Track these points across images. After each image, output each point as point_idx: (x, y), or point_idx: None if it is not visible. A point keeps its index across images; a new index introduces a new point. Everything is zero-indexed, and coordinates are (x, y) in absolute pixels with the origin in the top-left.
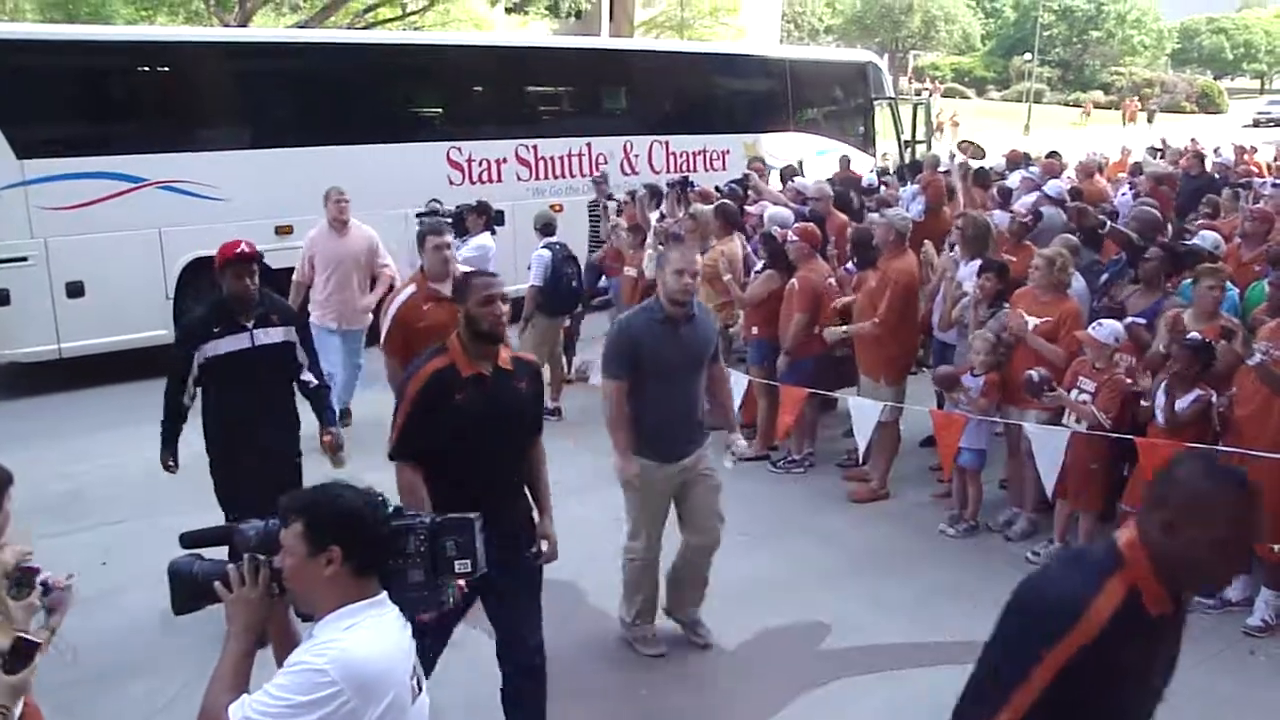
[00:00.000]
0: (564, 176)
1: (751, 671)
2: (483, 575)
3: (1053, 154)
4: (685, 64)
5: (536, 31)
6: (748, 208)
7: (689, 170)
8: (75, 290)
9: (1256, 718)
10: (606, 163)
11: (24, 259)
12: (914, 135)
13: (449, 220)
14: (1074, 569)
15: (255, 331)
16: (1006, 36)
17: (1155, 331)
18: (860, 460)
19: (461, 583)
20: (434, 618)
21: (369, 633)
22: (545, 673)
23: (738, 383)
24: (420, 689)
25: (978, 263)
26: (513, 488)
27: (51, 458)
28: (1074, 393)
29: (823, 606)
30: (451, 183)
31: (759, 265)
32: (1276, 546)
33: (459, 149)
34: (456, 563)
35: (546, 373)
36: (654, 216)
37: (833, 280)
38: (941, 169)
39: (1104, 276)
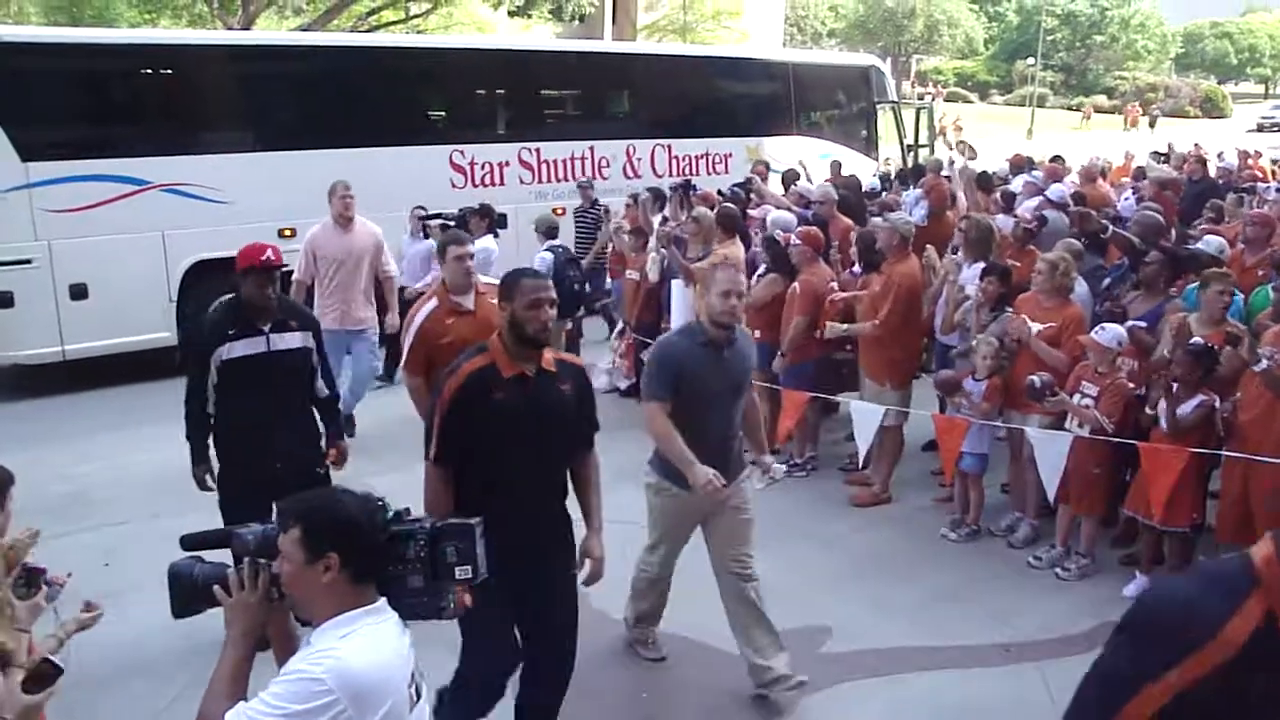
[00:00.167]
0: (567, 180)
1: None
2: (515, 581)
3: (1056, 158)
4: (688, 67)
5: (539, 35)
6: (750, 211)
7: (691, 174)
8: (79, 292)
9: None
10: (609, 165)
11: (28, 261)
12: (917, 139)
13: (424, 223)
14: (1206, 585)
15: (271, 336)
16: (1009, 41)
17: (1157, 335)
18: (861, 464)
19: (467, 596)
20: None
21: (366, 640)
22: (566, 685)
23: None
24: (419, 696)
25: (980, 265)
26: (552, 493)
27: (54, 459)
28: (1076, 397)
29: (824, 610)
30: (454, 186)
31: (761, 269)
32: None
33: (462, 152)
34: (457, 569)
35: None
36: (656, 220)
37: (835, 284)
38: (944, 173)
39: (1106, 281)
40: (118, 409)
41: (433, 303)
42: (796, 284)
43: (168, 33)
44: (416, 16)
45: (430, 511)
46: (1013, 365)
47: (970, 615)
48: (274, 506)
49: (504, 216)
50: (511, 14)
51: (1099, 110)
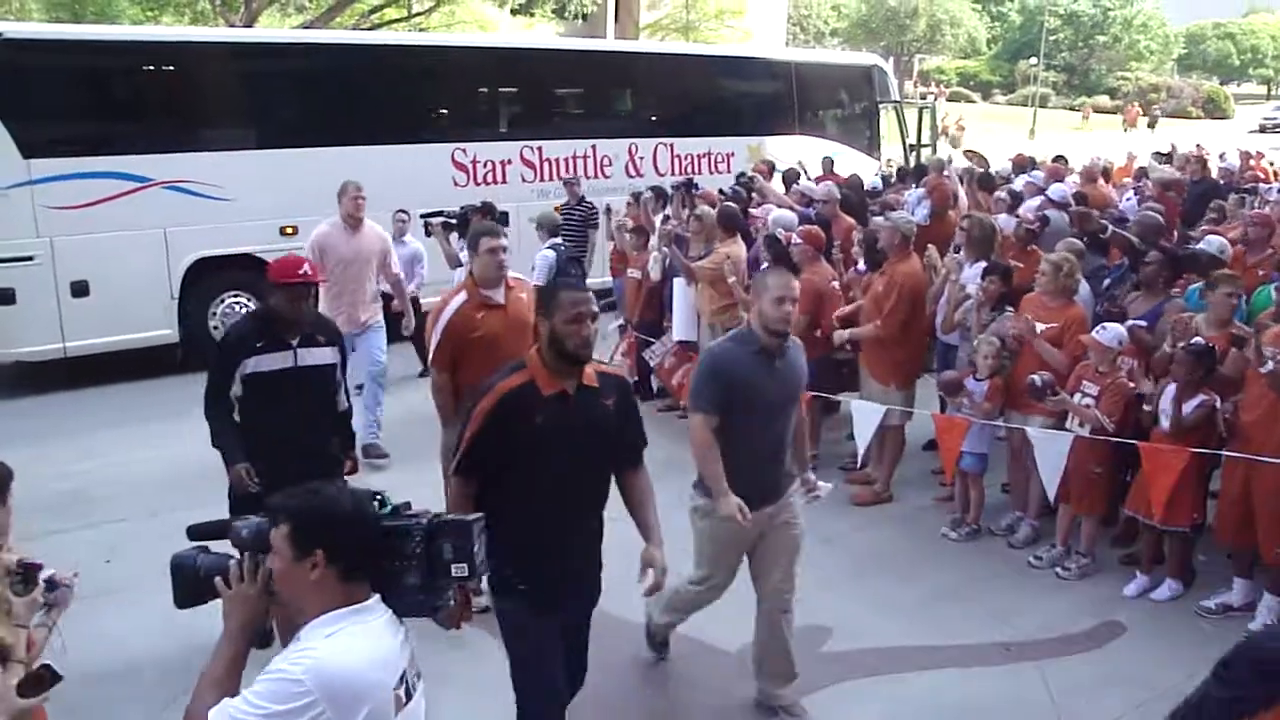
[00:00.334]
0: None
1: (750, 673)
2: (547, 597)
3: (1059, 158)
4: (690, 66)
5: (542, 33)
6: (751, 210)
7: (694, 172)
8: (80, 289)
9: None
10: (611, 164)
11: (29, 258)
12: (919, 139)
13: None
14: None
15: (299, 351)
16: (1012, 40)
17: (1157, 335)
18: (860, 463)
19: (475, 597)
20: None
21: (349, 640)
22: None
23: None
24: (410, 696)
25: (982, 265)
26: (590, 512)
27: (55, 456)
28: (1077, 396)
29: (824, 609)
30: (456, 184)
31: (764, 268)
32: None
33: (464, 150)
34: (453, 566)
35: None
36: (658, 219)
37: (836, 283)
38: (945, 173)
39: (1106, 281)
40: (119, 406)
41: (462, 296)
42: (797, 283)
43: (170, 30)
44: (419, 14)
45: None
46: (1014, 365)
47: (970, 614)
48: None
49: (505, 214)
50: (514, 12)
51: (1102, 111)
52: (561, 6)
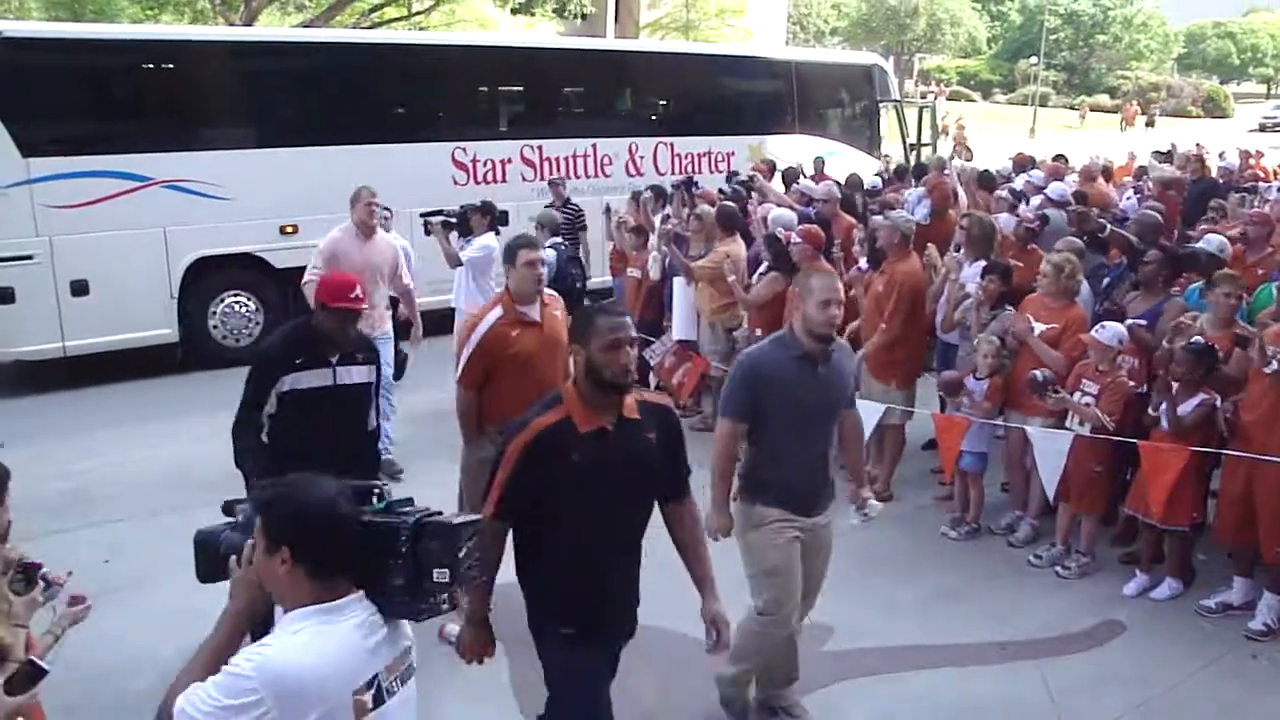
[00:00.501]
0: (569, 177)
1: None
2: (588, 635)
3: (1059, 157)
4: (691, 65)
5: (542, 32)
6: (751, 209)
7: (695, 172)
8: (80, 289)
9: None
10: (611, 163)
11: (29, 257)
12: (919, 138)
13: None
14: None
15: (338, 369)
16: (1012, 40)
17: (1157, 334)
18: None
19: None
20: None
21: (309, 640)
22: None
23: None
24: (381, 700)
25: (981, 264)
26: (628, 546)
27: (54, 456)
28: (1077, 395)
29: (824, 608)
30: (456, 183)
31: (763, 267)
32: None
33: (464, 149)
34: (435, 570)
35: None
36: (658, 219)
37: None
38: (945, 171)
39: (1105, 280)
40: (118, 406)
41: (497, 311)
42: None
43: (169, 28)
44: (419, 13)
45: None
46: (1014, 364)
47: (970, 614)
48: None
49: (505, 214)
50: (514, 12)
51: (1101, 110)
52: (561, 5)
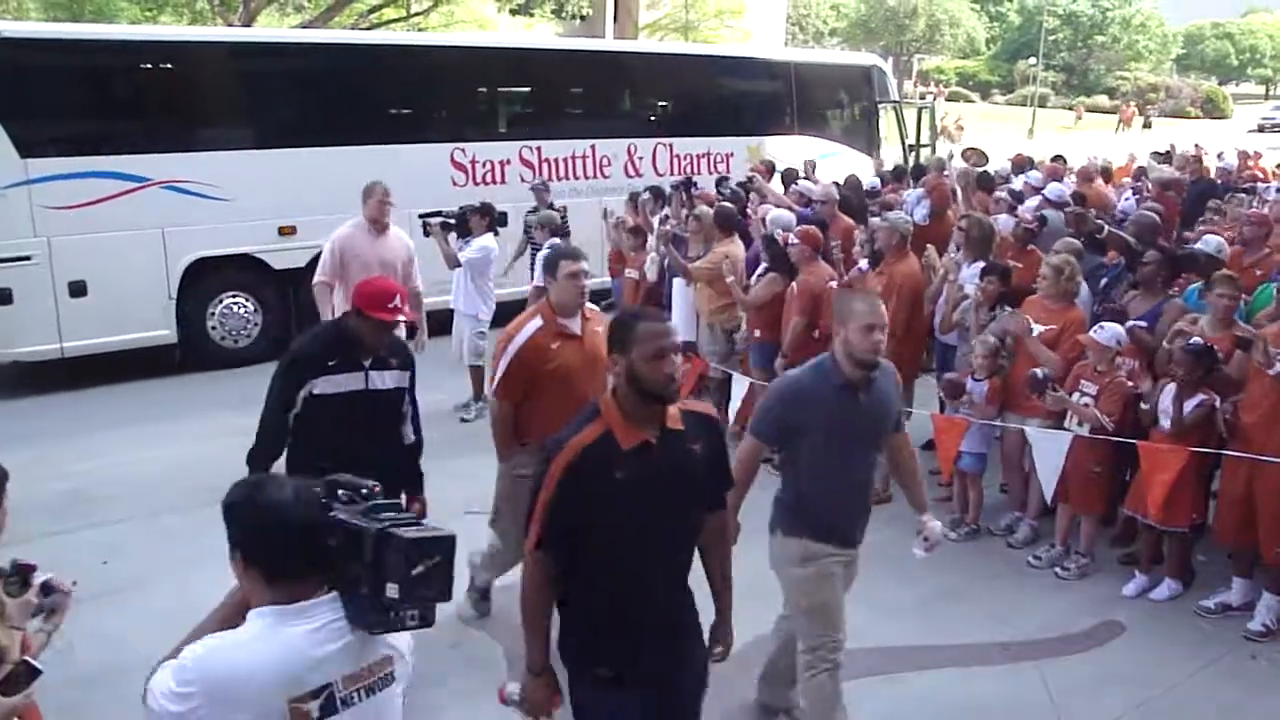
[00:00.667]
0: (568, 178)
1: (751, 673)
2: (630, 664)
3: (1058, 158)
4: (689, 66)
5: (541, 33)
6: (750, 210)
7: (693, 173)
8: (78, 290)
9: None
10: (610, 164)
11: (27, 258)
12: (918, 139)
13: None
14: None
15: (371, 373)
16: (1011, 40)
17: (1157, 335)
18: None
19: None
20: None
21: (249, 640)
22: None
23: (740, 385)
24: (332, 711)
25: (980, 265)
26: (680, 569)
27: (53, 457)
28: (1076, 395)
29: None
30: (455, 184)
31: (761, 268)
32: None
33: (463, 150)
34: (388, 585)
35: None
36: (656, 220)
37: (834, 283)
38: (945, 172)
39: (1103, 280)
40: (117, 407)
41: (536, 322)
42: (795, 284)
43: (168, 29)
44: (418, 14)
45: (528, 609)
46: (1012, 365)
47: (969, 614)
48: None
49: (504, 215)
50: (513, 13)
51: (1100, 110)
52: (560, 6)
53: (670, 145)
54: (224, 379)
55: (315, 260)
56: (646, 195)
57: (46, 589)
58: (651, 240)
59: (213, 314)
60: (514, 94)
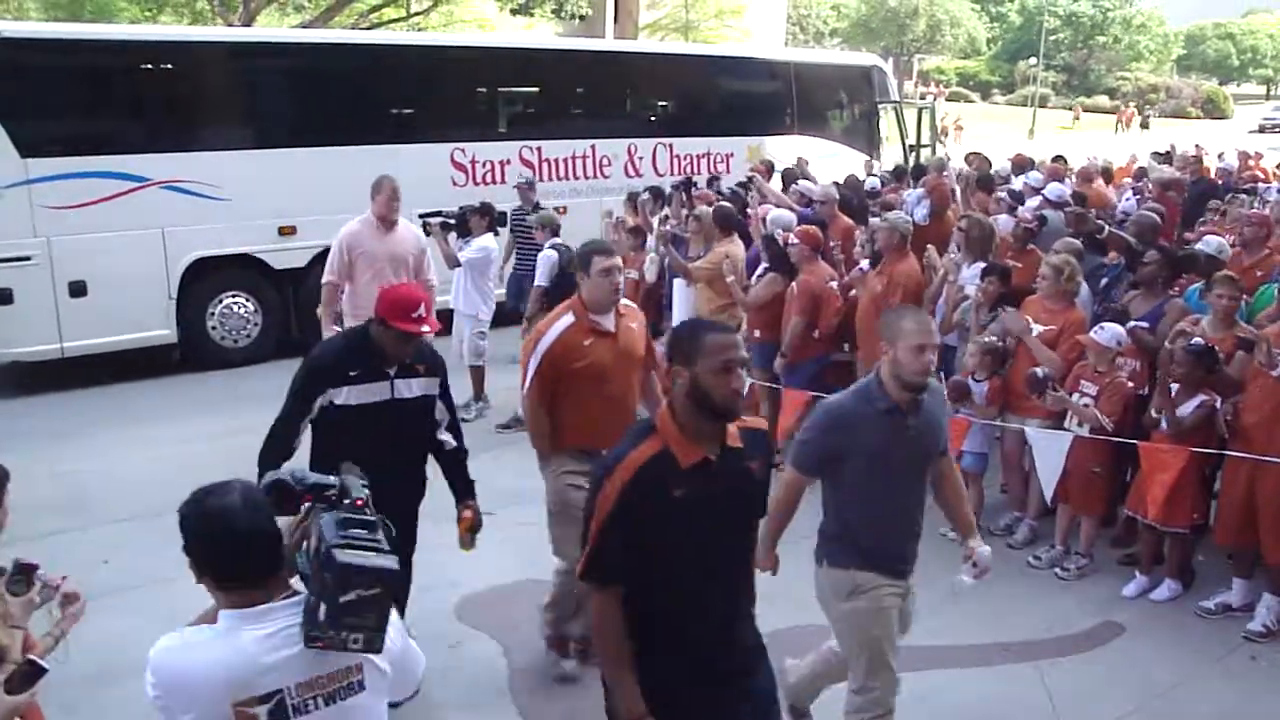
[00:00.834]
0: (568, 178)
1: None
2: (730, 687)
3: (1058, 158)
4: (689, 66)
5: (541, 33)
6: (750, 210)
7: (693, 173)
8: (78, 289)
9: None
10: (610, 164)
11: (27, 258)
12: (919, 139)
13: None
14: None
15: (397, 382)
16: (1012, 41)
17: (1159, 336)
18: None
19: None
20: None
21: (200, 642)
22: None
23: None
24: (283, 717)
25: (980, 265)
26: (738, 585)
27: (53, 457)
28: (1075, 396)
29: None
30: (455, 184)
31: (761, 268)
32: None
33: (463, 150)
34: (322, 604)
35: None
36: (655, 220)
37: (834, 283)
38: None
39: (1103, 280)
40: (117, 407)
41: (568, 318)
42: (795, 284)
43: (168, 29)
44: (418, 14)
45: (608, 649)
46: (1012, 366)
47: (969, 615)
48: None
49: (504, 215)
50: (513, 12)
51: (1101, 111)
52: (560, 6)
53: (670, 145)
54: (224, 379)
55: (316, 260)
56: (646, 195)
57: (43, 586)
58: (651, 240)
59: (213, 314)
60: (514, 94)
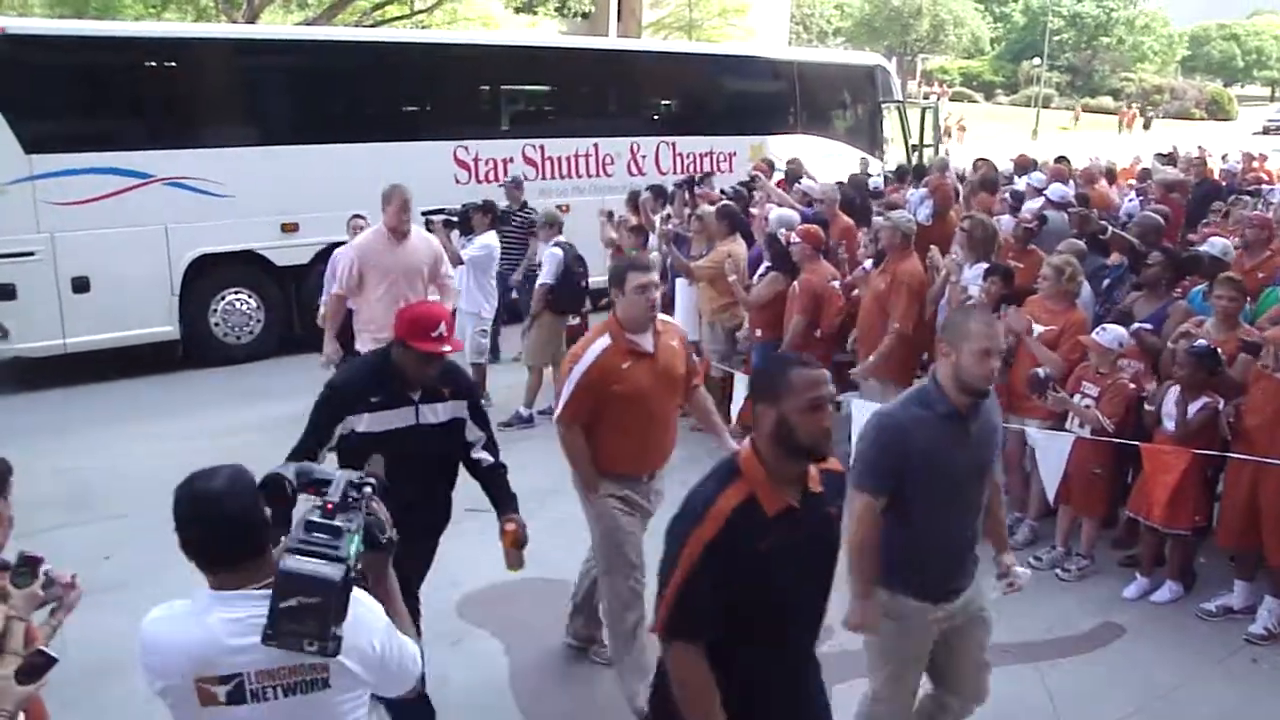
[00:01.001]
0: (570, 176)
1: None
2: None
3: (1061, 158)
4: (693, 65)
5: (544, 31)
6: (753, 209)
7: (696, 171)
8: (81, 285)
9: None
10: (613, 163)
11: (30, 254)
12: (922, 139)
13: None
14: None
15: (421, 407)
16: (1015, 41)
17: (1162, 336)
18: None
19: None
20: None
21: (175, 616)
22: None
23: (742, 384)
24: (240, 701)
25: (983, 266)
26: (814, 636)
27: (55, 452)
28: (1077, 397)
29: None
30: (458, 181)
31: (763, 267)
32: None
33: (466, 148)
34: (280, 602)
35: (549, 373)
36: (658, 219)
37: (836, 282)
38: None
39: (1106, 281)
40: (119, 402)
41: (605, 340)
42: (797, 283)
43: (172, 26)
44: (421, 12)
45: (687, 709)
46: (1012, 366)
47: None
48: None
49: (506, 213)
50: (517, 10)
51: (1104, 112)
52: (563, 4)
53: (673, 144)
54: (227, 375)
55: (318, 256)
56: (647, 194)
57: (47, 581)
58: (653, 239)
59: (215, 310)
60: (517, 92)
